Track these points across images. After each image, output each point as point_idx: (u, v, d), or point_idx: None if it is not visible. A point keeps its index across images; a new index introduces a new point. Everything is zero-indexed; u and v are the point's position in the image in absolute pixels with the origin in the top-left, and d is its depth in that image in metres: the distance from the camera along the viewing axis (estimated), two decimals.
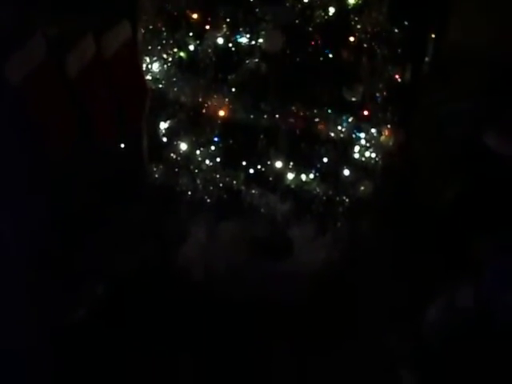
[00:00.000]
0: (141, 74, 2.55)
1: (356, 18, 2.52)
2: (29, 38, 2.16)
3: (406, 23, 2.86)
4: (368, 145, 2.70)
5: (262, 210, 2.56)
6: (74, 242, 2.67)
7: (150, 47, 2.58)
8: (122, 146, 2.71)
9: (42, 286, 2.51)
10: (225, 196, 2.57)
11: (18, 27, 2.16)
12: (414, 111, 3.30)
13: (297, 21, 2.42)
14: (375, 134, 2.73)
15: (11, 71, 2.15)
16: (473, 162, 3.09)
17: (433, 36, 3.54)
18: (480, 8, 3.36)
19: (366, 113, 2.66)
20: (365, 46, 2.58)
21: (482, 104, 3.21)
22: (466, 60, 3.35)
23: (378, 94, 2.70)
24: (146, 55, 2.60)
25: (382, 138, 2.77)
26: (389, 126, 2.80)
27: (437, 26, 3.55)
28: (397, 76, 2.82)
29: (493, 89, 3.26)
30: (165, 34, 2.54)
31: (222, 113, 2.49)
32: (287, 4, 2.40)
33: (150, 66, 2.59)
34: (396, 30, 2.72)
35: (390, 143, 2.78)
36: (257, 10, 2.39)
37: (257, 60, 2.41)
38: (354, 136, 2.66)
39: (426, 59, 3.53)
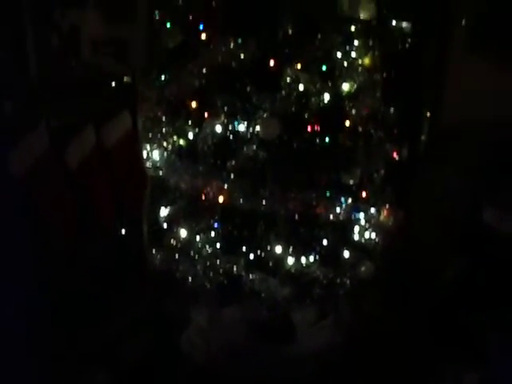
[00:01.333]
0: (141, 161, 2.60)
1: (351, 104, 2.57)
2: (31, 129, 2.21)
3: (400, 103, 2.92)
4: (367, 225, 2.72)
5: (263, 294, 2.55)
6: (74, 328, 2.66)
7: (150, 135, 2.63)
8: (123, 232, 2.74)
9: (42, 373, 2.49)
10: (225, 281, 2.56)
11: (21, 118, 2.22)
12: (413, 190, 3.33)
13: (293, 108, 2.47)
14: (374, 215, 2.74)
15: (14, 162, 2.20)
16: (472, 240, 3.10)
17: (428, 114, 3.62)
18: (476, 86, 3.43)
19: (364, 194, 2.68)
20: (360, 129, 2.63)
21: (480, 181, 3.24)
22: (463, 137, 3.40)
23: (375, 175, 2.74)
24: (146, 143, 2.65)
25: (381, 217, 2.78)
26: (387, 205, 2.82)
27: (432, 104, 3.63)
28: (394, 155, 2.84)
29: (490, 166, 3.29)
30: (164, 122, 2.59)
31: (221, 199, 2.51)
32: (283, 92, 2.45)
33: (150, 154, 2.63)
34: (391, 111, 2.77)
35: (390, 223, 2.79)
36: (254, 98, 2.44)
37: (254, 147, 2.44)
38: (352, 217, 2.67)
39: (423, 137, 3.60)
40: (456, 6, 3.53)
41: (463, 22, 3.59)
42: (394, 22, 3.08)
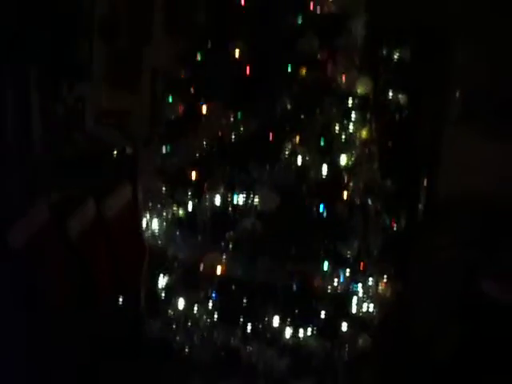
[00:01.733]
0: (140, 231, 2.62)
1: (348, 176, 2.61)
2: (32, 204, 2.24)
3: (398, 173, 2.96)
4: (365, 297, 2.71)
5: (260, 366, 2.53)
6: None
7: (149, 205, 2.66)
8: (121, 300, 2.74)
9: None
10: (222, 353, 2.54)
11: (22, 195, 2.25)
12: (411, 260, 3.34)
13: (291, 181, 2.50)
14: (372, 286, 2.74)
15: (14, 237, 2.22)
16: (472, 311, 3.09)
17: (425, 184, 3.67)
18: (472, 157, 3.49)
19: (362, 265, 2.69)
20: (358, 201, 2.66)
21: (478, 252, 3.26)
22: (460, 207, 3.43)
23: (373, 246, 2.75)
24: (146, 212, 2.67)
25: (379, 289, 2.78)
26: (385, 276, 2.82)
27: (429, 175, 3.68)
28: (392, 225, 2.86)
29: (488, 236, 3.31)
30: (164, 192, 2.62)
31: (219, 270, 2.52)
32: (282, 165, 2.49)
33: (149, 223, 2.65)
34: (388, 183, 2.80)
35: (387, 294, 2.79)
36: (253, 171, 2.48)
37: (253, 219, 2.46)
38: (350, 289, 2.67)
39: (420, 208, 3.63)
40: (451, 79, 3.63)
41: (457, 94, 3.69)
42: (390, 95, 3.15)
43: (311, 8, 2.49)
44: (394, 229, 2.86)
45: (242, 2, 2.47)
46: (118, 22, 3.09)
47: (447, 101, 3.65)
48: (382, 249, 2.77)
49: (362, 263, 2.70)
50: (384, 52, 3.29)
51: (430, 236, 3.36)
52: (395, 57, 3.29)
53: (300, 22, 2.47)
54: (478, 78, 3.60)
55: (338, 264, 2.60)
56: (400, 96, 3.22)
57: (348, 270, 2.63)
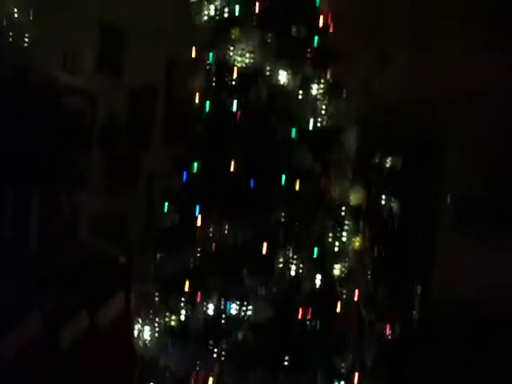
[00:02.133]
0: (132, 341, 2.59)
1: (342, 287, 2.61)
2: (25, 315, 2.24)
3: (391, 281, 2.96)
4: None
5: None
6: None
7: (142, 313, 2.64)
8: None
9: None
10: None
11: (15, 305, 2.25)
12: (407, 369, 3.29)
13: (285, 291, 2.50)
14: None
15: (7, 347, 2.20)
16: None
17: (419, 291, 3.66)
18: (465, 262, 3.50)
19: (356, 378, 2.65)
20: (352, 312, 2.65)
21: (475, 358, 3.22)
22: (455, 314, 3.41)
23: (367, 356, 2.71)
24: (138, 320, 2.65)
25: None
26: None
27: (423, 281, 3.67)
28: (386, 333, 2.84)
29: (486, 342, 3.28)
30: (157, 301, 2.60)
31: (210, 381, 2.48)
32: (275, 276, 2.49)
33: (141, 332, 2.62)
34: (382, 292, 2.80)
35: None
36: (246, 281, 2.48)
37: (245, 330, 2.45)
38: None
39: (414, 314, 3.61)
40: (443, 187, 3.69)
41: (448, 200, 3.74)
42: (383, 203, 3.19)
43: (305, 123, 2.57)
44: (389, 338, 2.83)
45: (238, 117, 2.55)
46: (116, 130, 3.18)
47: (440, 208, 3.70)
48: (376, 359, 2.74)
49: (356, 374, 2.66)
50: (376, 160, 3.36)
51: (426, 344, 3.32)
52: (387, 165, 3.35)
53: (294, 136, 2.54)
54: (471, 186, 3.66)
55: (332, 376, 2.57)
56: (392, 204, 3.27)
57: (342, 382, 2.59)
